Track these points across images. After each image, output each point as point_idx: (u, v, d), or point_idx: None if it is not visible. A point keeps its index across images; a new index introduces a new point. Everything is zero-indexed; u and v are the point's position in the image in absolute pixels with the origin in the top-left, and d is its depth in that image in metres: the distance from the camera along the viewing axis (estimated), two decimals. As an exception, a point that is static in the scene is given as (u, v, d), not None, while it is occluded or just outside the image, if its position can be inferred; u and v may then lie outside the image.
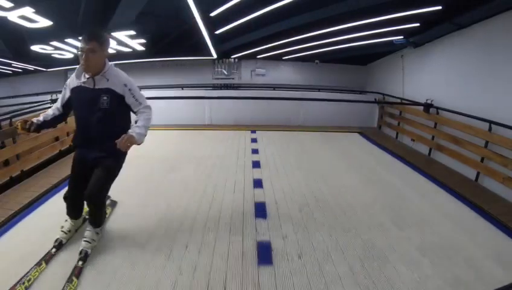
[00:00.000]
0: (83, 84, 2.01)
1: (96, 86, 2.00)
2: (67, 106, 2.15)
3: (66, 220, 2.38)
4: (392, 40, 5.80)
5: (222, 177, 3.85)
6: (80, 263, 2.06)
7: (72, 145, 2.18)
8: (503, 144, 3.61)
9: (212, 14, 4.67)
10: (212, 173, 3.99)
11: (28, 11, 4.11)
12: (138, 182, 3.60)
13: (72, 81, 2.07)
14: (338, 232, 2.61)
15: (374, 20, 4.73)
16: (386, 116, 7.03)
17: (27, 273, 1.94)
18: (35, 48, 6.17)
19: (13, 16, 4.23)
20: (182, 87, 8.71)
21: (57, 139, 4.72)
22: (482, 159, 3.90)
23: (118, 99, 2.03)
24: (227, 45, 7.32)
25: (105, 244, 2.32)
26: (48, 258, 2.13)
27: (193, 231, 2.56)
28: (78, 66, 2.03)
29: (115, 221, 2.68)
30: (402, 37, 5.67)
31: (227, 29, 5.59)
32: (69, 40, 5.92)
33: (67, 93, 2.10)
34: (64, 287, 1.84)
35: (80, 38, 1.91)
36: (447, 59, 5.12)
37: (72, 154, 2.27)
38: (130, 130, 1.97)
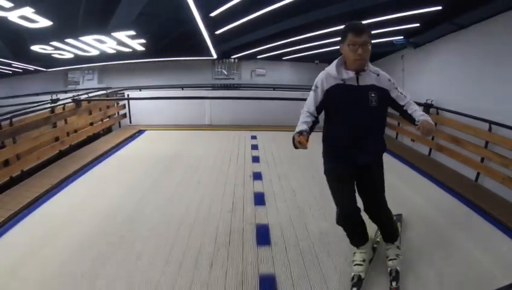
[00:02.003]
0: (346, 82, 1.79)
1: (360, 82, 1.80)
2: (321, 108, 1.92)
3: (355, 253, 2.01)
4: (392, 40, 5.80)
5: (222, 177, 3.85)
6: (394, 284, 1.89)
7: (328, 151, 2.04)
8: (503, 144, 3.61)
9: (212, 14, 4.67)
10: (212, 173, 3.99)
11: (28, 11, 4.12)
12: (139, 182, 3.60)
13: (327, 80, 1.83)
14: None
15: (374, 20, 4.73)
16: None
17: None
18: (35, 48, 6.18)
19: (13, 16, 4.24)
20: (182, 87, 8.72)
21: (57, 139, 4.72)
22: (482, 159, 3.90)
23: (385, 95, 1.84)
24: (227, 45, 7.32)
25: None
26: None
27: (191, 233, 2.56)
28: (332, 65, 1.83)
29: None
30: (402, 37, 5.67)
31: (227, 30, 5.59)
32: (69, 40, 5.93)
33: (320, 95, 1.86)
34: None
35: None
36: (447, 59, 5.12)
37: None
38: (421, 117, 1.78)
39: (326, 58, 8.61)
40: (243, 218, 2.79)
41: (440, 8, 4.06)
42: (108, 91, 8.12)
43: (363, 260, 1.96)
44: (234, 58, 9.57)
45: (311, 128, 1.88)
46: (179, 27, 5.75)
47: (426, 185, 3.85)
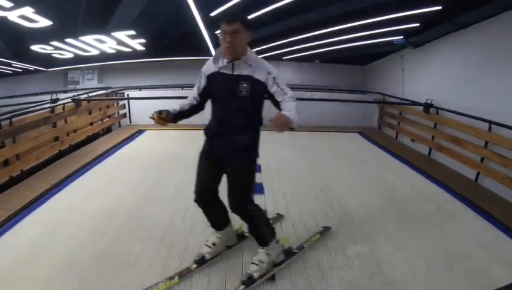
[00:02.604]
0: (220, 70, 1.80)
1: (234, 71, 1.78)
2: (204, 95, 1.92)
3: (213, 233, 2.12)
4: (392, 40, 5.80)
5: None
6: (241, 287, 1.85)
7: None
8: (503, 144, 3.61)
9: (212, 14, 4.67)
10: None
11: (28, 11, 4.12)
12: (139, 182, 3.60)
13: (209, 67, 1.85)
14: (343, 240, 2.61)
15: (374, 20, 4.74)
16: (386, 116, 7.03)
17: (155, 284, 1.82)
18: (35, 47, 6.18)
19: (13, 16, 4.24)
20: (182, 87, 8.71)
21: (56, 139, 4.72)
22: (482, 159, 3.90)
23: (260, 88, 1.79)
24: (227, 45, 7.31)
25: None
26: (184, 273, 1.96)
27: (192, 229, 2.56)
28: (216, 50, 1.83)
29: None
30: (402, 37, 5.67)
31: (227, 29, 5.59)
32: (69, 40, 5.92)
33: (203, 81, 1.88)
34: None
35: (220, 22, 1.74)
36: (447, 59, 5.13)
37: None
38: (283, 112, 1.69)
39: (326, 58, 8.66)
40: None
41: (440, 7, 4.06)
42: (108, 91, 8.12)
43: (213, 244, 2.07)
44: (234, 58, 9.57)
45: (185, 111, 1.95)
46: (179, 27, 5.75)
47: (426, 185, 3.86)
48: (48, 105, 5.22)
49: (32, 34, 5.20)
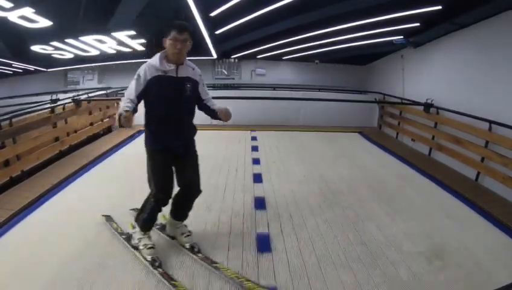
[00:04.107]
0: (165, 74, 1.98)
1: (179, 74, 2.01)
2: (140, 97, 2.04)
3: (141, 238, 2.16)
4: (392, 40, 5.80)
5: (222, 177, 3.85)
6: (200, 255, 2.14)
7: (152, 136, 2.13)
8: (503, 144, 3.61)
9: (212, 14, 4.67)
10: (211, 173, 3.99)
11: (28, 11, 4.12)
12: (138, 182, 3.60)
13: (149, 70, 1.97)
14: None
15: (374, 20, 4.74)
16: (386, 116, 7.03)
17: None
18: (36, 48, 6.18)
19: (13, 16, 4.24)
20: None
21: (57, 139, 4.72)
22: (482, 159, 3.90)
23: (196, 87, 2.09)
24: (228, 45, 7.32)
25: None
26: (166, 278, 1.94)
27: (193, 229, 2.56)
28: (157, 55, 2.00)
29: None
30: (402, 37, 5.67)
31: (227, 29, 5.59)
32: (69, 40, 5.92)
33: (143, 84, 1.98)
34: (219, 272, 1.97)
35: (174, 28, 1.92)
36: (447, 59, 5.12)
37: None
38: (216, 105, 2.14)
39: (326, 58, 8.65)
40: (243, 220, 2.80)
41: (440, 7, 4.06)
42: (108, 91, 8.11)
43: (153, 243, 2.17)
44: (234, 58, 9.56)
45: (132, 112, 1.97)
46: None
47: (426, 185, 3.86)
48: (48, 105, 5.22)
49: (32, 34, 5.19)
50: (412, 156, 4.93)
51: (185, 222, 2.34)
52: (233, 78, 10.01)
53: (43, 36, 5.42)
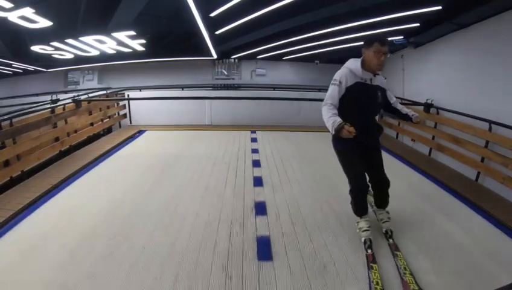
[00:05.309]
0: (364, 81, 2.21)
1: (373, 82, 2.24)
2: (341, 101, 2.23)
3: (359, 222, 2.40)
4: (392, 40, 5.80)
5: (222, 177, 3.85)
6: (391, 240, 2.36)
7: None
8: (503, 144, 3.61)
9: (212, 15, 4.67)
10: (212, 173, 3.99)
11: (28, 11, 4.13)
12: (139, 182, 3.60)
13: (350, 77, 2.19)
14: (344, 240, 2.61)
15: (374, 20, 4.74)
16: (386, 116, 7.03)
17: (370, 280, 1.99)
18: (36, 48, 6.19)
19: (13, 17, 4.24)
20: (182, 87, 8.72)
21: (57, 139, 4.72)
22: (483, 159, 3.90)
23: (384, 95, 2.34)
24: (227, 45, 7.33)
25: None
26: (370, 260, 2.17)
27: (194, 228, 2.56)
28: (357, 63, 2.21)
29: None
30: (402, 37, 5.67)
31: (227, 30, 5.60)
32: (69, 41, 5.93)
33: (344, 90, 2.20)
34: (395, 259, 2.17)
35: (369, 39, 2.15)
36: (447, 59, 5.12)
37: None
38: (412, 112, 2.40)
39: (326, 59, 8.65)
40: (243, 221, 2.79)
41: (440, 7, 4.07)
42: (109, 91, 8.12)
43: (369, 226, 2.37)
44: (234, 59, 9.57)
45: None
46: (179, 27, 5.76)
47: (426, 185, 3.85)
48: (48, 105, 5.21)
49: (32, 34, 5.21)
50: (412, 156, 4.92)
51: None
52: (234, 79, 10.01)
53: (43, 36, 5.43)
